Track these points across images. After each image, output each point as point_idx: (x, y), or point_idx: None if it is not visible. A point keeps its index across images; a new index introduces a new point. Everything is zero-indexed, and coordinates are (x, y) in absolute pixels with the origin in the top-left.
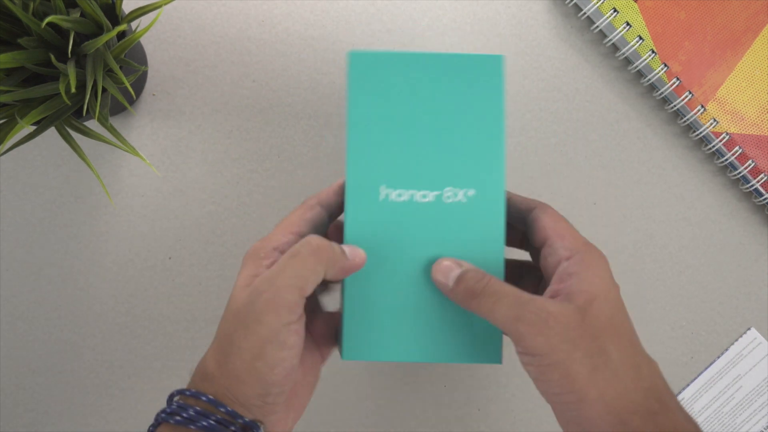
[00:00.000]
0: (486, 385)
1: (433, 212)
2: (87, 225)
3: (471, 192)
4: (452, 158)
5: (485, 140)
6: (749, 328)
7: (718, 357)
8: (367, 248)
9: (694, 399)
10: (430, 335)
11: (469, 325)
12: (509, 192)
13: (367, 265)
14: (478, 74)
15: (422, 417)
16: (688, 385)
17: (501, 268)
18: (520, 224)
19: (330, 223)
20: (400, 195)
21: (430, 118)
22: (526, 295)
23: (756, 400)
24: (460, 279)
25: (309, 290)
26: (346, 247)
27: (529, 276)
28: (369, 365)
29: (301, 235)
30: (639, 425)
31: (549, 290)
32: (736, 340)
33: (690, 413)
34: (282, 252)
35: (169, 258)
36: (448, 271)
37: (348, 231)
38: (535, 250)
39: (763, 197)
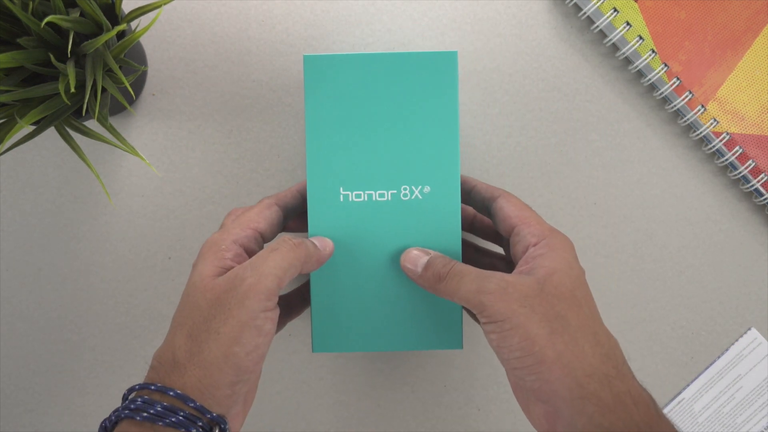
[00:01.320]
0: (486, 385)
1: (391, 209)
2: (87, 225)
3: (426, 189)
4: (407, 157)
5: (439, 138)
6: (749, 328)
7: (718, 357)
8: (335, 254)
9: (694, 399)
10: (395, 325)
11: (432, 314)
12: (474, 179)
13: (332, 261)
14: (432, 72)
15: (422, 417)
16: (688, 385)
17: (459, 256)
18: (485, 213)
19: (284, 223)
20: (358, 196)
21: (385, 119)
22: (487, 272)
23: (756, 401)
24: (428, 265)
25: (286, 281)
26: (315, 240)
27: (500, 266)
28: (369, 365)
29: (259, 231)
30: (595, 388)
31: (515, 271)
32: (737, 340)
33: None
34: (242, 245)
35: (169, 258)
36: (416, 259)
37: (312, 230)
38: (505, 240)
39: (763, 197)
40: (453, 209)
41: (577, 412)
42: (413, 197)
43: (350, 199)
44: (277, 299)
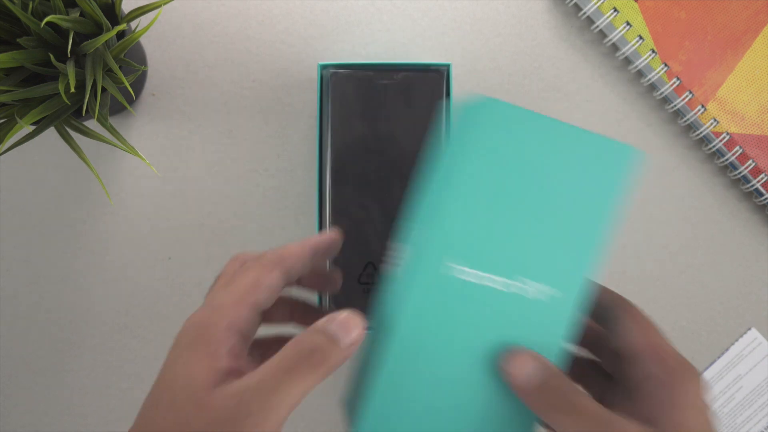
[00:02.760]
0: None
1: (496, 300)
2: (87, 225)
3: (545, 288)
4: (536, 246)
5: (578, 238)
6: (749, 329)
7: (719, 357)
8: (413, 325)
9: None
10: (457, 427)
11: (501, 424)
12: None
13: (411, 343)
14: (603, 161)
15: None
16: None
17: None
18: (597, 321)
19: (283, 286)
20: (465, 273)
21: (528, 195)
22: (607, 414)
23: (756, 401)
24: (542, 383)
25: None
26: (343, 343)
27: (593, 374)
28: None
29: (258, 307)
30: None
31: (633, 409)
32: (737, 340)
33: None
34: (240, 333)
35: (169, 258)
36: (522, 364)
37: (395, 298)
38: (609, 353)
39: (763, 197)
40: (566, 321)
41: None
42: (526, 293)
43: (453, 274)
44: None
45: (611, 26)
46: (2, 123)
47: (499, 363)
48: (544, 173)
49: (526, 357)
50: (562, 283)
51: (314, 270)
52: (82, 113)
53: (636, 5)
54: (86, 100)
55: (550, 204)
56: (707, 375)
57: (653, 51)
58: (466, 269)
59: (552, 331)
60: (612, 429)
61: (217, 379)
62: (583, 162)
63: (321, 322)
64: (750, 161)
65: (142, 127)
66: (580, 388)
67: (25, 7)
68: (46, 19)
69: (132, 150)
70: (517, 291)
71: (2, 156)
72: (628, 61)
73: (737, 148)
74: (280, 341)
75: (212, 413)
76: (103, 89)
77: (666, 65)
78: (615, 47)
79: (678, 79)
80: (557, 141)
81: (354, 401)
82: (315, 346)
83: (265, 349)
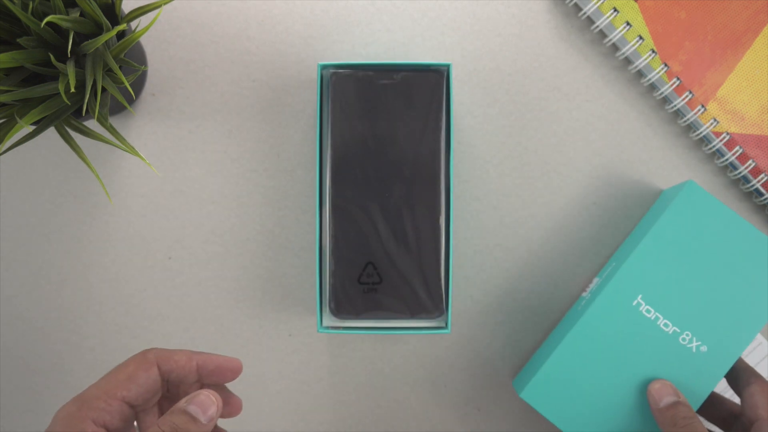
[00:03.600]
0: (486, 385)
1: (665, 341)
2: (87, 225)
3: (703, 348)
4: (709, 310)
5: (745, 313)
6: None
7: None
8: (597, 335)
9: None
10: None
11: None
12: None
13: (586, 346)
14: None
15: (422, 417)
16: None
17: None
18: (729, 381)
19: (161, 390)
20: (649, 311)
21: (709, 268)
22: None
23: None
24: (672, 406)
25: None
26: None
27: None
28: (369, 365)
29: (128, 402)
30: None
31: None
32: None
33: None
34: (107, 427)
35: (169, 258)
36: (664, 393)
37: (590, 313)
38: (733, 417)
39: (763, 197)
40: (714, 377)
41: None
42: (688, 345)
43: (640, 310)
44: None
45: (611, 26)
46: (2, 123)
47: (649, 385)
48: (723, 254)
49: (671, 387)
50: (717, 347)
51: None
52: (82, 113)
53: (636, 5)
54: (86, 100)
55: (723, 281)
56: None
57: (653, 51)
58: (651, 308)
59: (695, 380)
60: None
61: None
62: (754, 256)
63: (181, 403)
64: (750, 161)
65: (142, 127)
66: (704, 420)
67: (25, 7)
68: (46, 19)
69: (132, 150)
70: (681, 339)
71: (2, 156)
72: (628, 61)
73: (737, 148)
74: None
75: None
76: (103, 89)
77: (666, 65)
78: (615, 47)
79: (678, 79)
80: (739, 236)
81: (524, 380)
82: (177, 427)
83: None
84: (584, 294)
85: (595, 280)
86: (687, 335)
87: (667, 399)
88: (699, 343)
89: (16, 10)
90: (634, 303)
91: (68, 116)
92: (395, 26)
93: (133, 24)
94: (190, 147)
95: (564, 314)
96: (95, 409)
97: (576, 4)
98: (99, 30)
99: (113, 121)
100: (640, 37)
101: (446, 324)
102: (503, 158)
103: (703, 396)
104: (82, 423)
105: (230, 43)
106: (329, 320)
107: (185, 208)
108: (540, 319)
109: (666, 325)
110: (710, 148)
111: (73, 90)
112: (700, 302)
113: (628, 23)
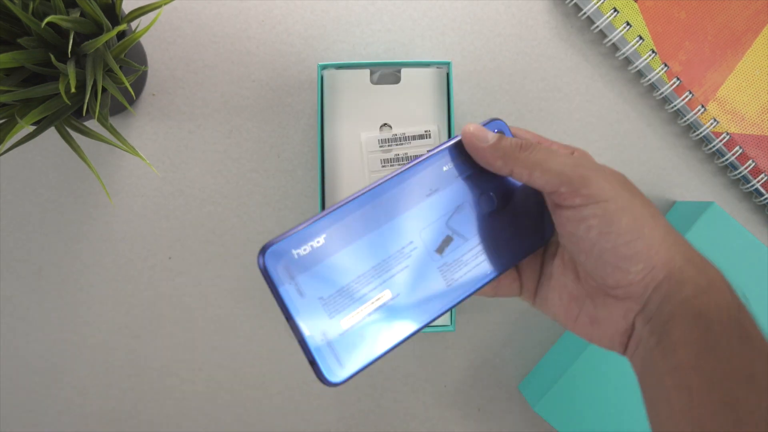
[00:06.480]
0: (486, 385)
1: None
2: (87, 225)
3: None
4: None
5: None
6: None
7: None
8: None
9: None
10: None
11: None
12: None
13: (603, 363)
14: None
15: (422, 417)
16: None
17: None
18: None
19: None
20: None
21: None
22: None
23: None
24: (502, 136)
25: None
26: None
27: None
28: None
29: None
30: (693, 273)
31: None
32: None
33: None
34: None
35: (169, 258)
36: (480, 131)
37: None
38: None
39: (763, 197)
40: None
41: (669, 296)
42: None
43: None
44: None
45: (611, 26)
46: (2, 123)
47: (462, 130)
48: (743, 278)
49: (474, 126)
50: None
51: None
52: (82, 113)
53: (636, 5)
54: (86, 100)
55: None
56: None
57: (653, 51)
58: None
59: None
60: (585, 159)
61: None
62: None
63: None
64: (750, 161)
65: (142, 127)
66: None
67: (25, 8)
68: (46, 20)
69: (132, 150)
70: None
71: (2, 156)
72: (628, 61)
73: (737, 148)
74: None
75: None
76: (104, 89)
77: (666, 65)
78: (615, 47)
79: (678, 79)
80: (759, 261)
81: (536, 390)
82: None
83: None
84: None
85: None
86: None
87: (490, 135)
88: None
89: (17, 10)
90: None
91: (68, 116)
92: (395, 26)
93: (134, 24)
94: (190, 147)
95: None
96: None
97: (576, 5)
98: (99, 30)
99: (113, 121)
100: (640, 37)
101: (450, 322)
102: None
103: None
104: None
105: (230, 43)
106: None
107: (185, 208)
108: (543, 318)
109: None
110: (710, 148)
111: (73, 90)
112: None
113: (628, 23)
